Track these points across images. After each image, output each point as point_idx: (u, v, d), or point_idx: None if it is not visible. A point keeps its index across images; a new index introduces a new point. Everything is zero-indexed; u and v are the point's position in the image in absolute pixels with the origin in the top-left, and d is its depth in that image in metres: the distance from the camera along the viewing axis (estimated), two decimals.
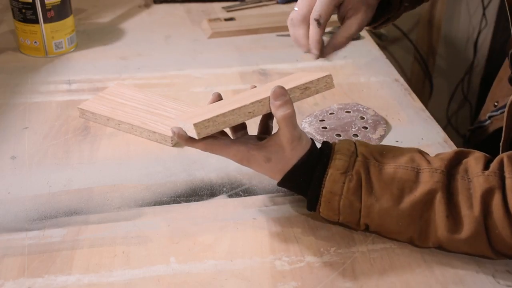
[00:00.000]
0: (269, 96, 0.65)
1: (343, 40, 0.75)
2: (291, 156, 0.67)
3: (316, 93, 0.67)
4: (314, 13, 0.73)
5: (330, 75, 0.68)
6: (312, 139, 0.70)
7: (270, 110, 0.66)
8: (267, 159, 0.67)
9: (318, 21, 0.72)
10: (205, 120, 0.63)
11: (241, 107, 0.64)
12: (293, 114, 0.66)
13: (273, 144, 0.67)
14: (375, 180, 0.66)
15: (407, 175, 0.66)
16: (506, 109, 0.73)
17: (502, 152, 0.73)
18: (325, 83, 0.67)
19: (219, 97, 0.73)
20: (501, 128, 0.96)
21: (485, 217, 0.64)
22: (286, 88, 0.66)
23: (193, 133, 0.65)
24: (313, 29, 0.73)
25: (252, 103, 0.65)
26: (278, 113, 0.65)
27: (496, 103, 1.00)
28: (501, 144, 0.77)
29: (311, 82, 0.67)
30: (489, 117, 1.00)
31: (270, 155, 0.67)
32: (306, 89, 0.67)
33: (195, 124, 0.63)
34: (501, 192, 0.63)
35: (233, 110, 0.64)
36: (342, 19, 0.77)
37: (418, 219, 0.66)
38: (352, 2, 0.74)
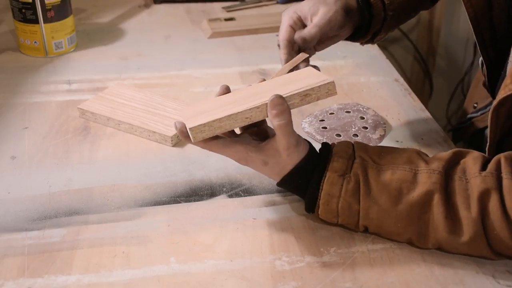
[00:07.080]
0: (267, 103, 0.65)
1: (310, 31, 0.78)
2: (287, 162, 0.67)
3: (317, 100, 0.65)
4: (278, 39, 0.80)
5: (333, 81, 0.64)
6: (310, 143, 0.70)
7: (268, 116, 0.66)
8: (264, 163, 0.68)
9: (278, 45, 0.79)
10: (200, 125, 0.64)
11: (238, 112, 0.64)
12: (290, 123, 0.65)
13: (270, 148, 0.67)
14: (373, 182, 0.66)
15: (405, 177, 0.66)
16: (489, 114, 0.73)
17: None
18: (327, 90, 0.64)
19: (227, 90, 0.72)
20: (482, 129, 0.96)
21: (483, 219, 0.63)
22: (287, 91, 0.65)
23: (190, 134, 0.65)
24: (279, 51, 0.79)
25: (250, 109, 0.64)
26: (274, 122, 0.65)
27: (475, 105, 1.00)
28: (486, 148, 0.76)
29: (312, 89, 0.64)
30: (469, 118, 1.00)
31: (267, 159, 0.67)
32: (306, 96, 0.65)
33: (190, 128, 0.64)
34: (498, 193, 0.63)
35: (229, 115, 0.64)
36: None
37: (416, 220, 0.66)
38: (304, 12, 0.80)
